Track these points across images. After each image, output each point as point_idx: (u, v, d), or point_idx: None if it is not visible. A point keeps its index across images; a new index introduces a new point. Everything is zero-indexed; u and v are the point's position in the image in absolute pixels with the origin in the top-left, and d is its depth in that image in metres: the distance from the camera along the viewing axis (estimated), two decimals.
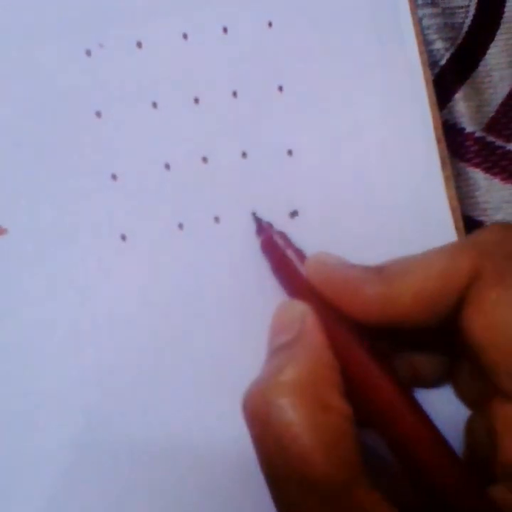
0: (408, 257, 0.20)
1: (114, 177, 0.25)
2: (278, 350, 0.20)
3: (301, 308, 0.20)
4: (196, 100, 0.25)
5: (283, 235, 0.24)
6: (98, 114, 0.25)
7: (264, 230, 0.24)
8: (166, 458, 0.24)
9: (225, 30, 0.25)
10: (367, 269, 0.20)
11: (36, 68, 0.25)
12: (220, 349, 0.25)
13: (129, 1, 0.25)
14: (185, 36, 0.25)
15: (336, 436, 0.17)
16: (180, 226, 0.25)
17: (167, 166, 0.25)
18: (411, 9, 0.27)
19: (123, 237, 0.25)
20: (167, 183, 0.25)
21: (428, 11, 0.29)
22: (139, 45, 0.25)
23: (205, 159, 0.25)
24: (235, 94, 0.25)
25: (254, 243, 0.25)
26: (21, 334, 0.24)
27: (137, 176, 0.25)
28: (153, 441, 0.24)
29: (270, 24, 0.26)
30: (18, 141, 0.25)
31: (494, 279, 0.19)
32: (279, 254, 0.23)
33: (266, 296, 0.25)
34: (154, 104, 0.25)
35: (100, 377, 0.24)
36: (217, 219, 0.25)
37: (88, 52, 0.25)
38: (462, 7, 0.29)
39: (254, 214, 0.25)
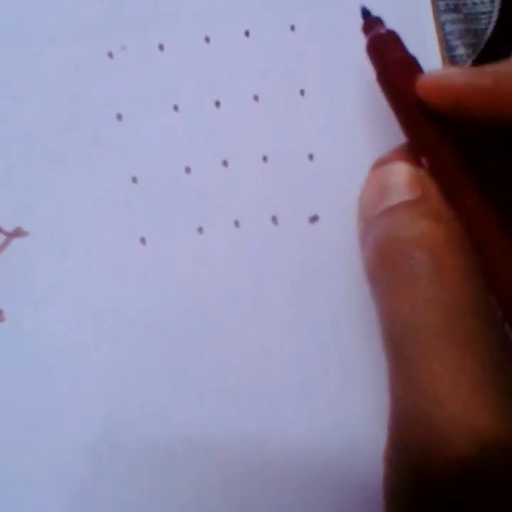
0: None
1: (134, 180, 0.25)
2: (398, 208, 0.18)
3: (418, 171, 0.19)
4: (217, 104, 0.25)
5: (395, 36, 0.21)
6: (119, 116, 0.25)
7: (372, 26, 0.21)
8: (185, 462, 0.24)
9: (247, 33, 0.25)
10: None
11: (59, 70, 0.25)
12: (239, 352, 0.25)
13: (152, 4, 0.25)
14: (207, 39, 0.25)
15: (488, 299, 0.16)
16: (200, 230, 0.25)
17: (188, 170, 0.25)
18: (434, 15, 0.27)
19: (143, 240, 0.25)
20: (187, 186, 0.25)
21: (450, 16, 0.28)
22: (161, 47, 0.25)
23: (225, 163, 0.25)
24: (256, 98, 0.25)
25: (274, 247, 0.25)
26: (40, 336, 0.24)
27: (158, 179, 0.25)
28: (172, 446, 0.24)
29: (293, 28, 0.26)
30: (40, 143, 0.25)
31: None
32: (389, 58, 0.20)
33: (286, 300, 0.25)
34: (175, 107, 0.25)
35: (119, 381, 0.24)
36: (237, 223, 0.25)
37: (110, 55, 0.25)
38: (485, 13, 0.29)
39: (362, 7, 0.22)
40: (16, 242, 0.25)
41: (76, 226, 0.25)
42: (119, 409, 0.24)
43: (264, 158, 0.25)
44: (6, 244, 0.25)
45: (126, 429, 0.24)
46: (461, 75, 0.18)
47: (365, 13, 0.22)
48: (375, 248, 0.18)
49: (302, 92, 0.25)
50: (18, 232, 0.25)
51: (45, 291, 0.24)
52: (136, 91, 0.25)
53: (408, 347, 0.16)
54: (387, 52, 0.20)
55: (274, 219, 0.25)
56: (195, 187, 0.25)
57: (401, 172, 0.19)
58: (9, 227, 0.25)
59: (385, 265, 0.17)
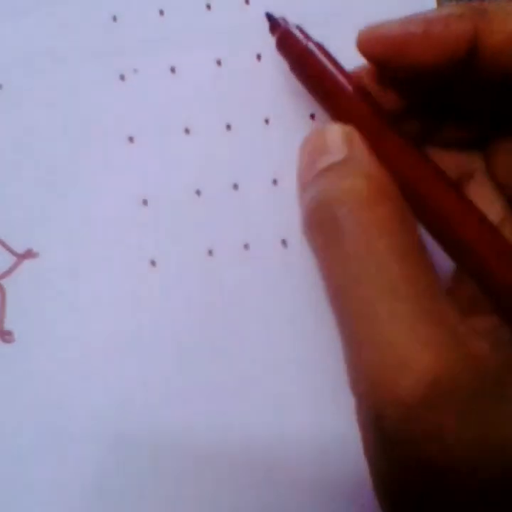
0: (503, 1, 0.18)
1: (145, 202, 0.25)
2: (326, 171, 0.19)
3: (345, 129, 0.19)
4: (228, 127, 0.25)
5: (301, 29, 0.22)
6: (131, 139, 0.25)
7: (279, 25, 0.22)
8: (194, 472, 0.24)
9: (258, 57, 0.25)
10: (449, 6, 0.19)
11: (70, 92, 0.25)
12: (248, 369, 0.25)
13: (164, 27, 0.26)
14: (218, 62, 0.25)
15: (413, 244, 0.17)
16: (210, 252, 0.25)
17: (198, 192, 0.25)
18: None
19: (153, 263, 0.25)
20: (198, 209, 0.25)
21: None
22: (173, 70, 0.25)
23: (235, 186, 0.25)
24: (267, 121, 0.25)
25: (284, 270, 0.25)
26: (50, 358, 0.24)
27: (168, 201, 0.25)
28: (182, 451, 0.24)
29: None
30: (51, 165, 0.25)
31: None
32: (301, 53, 0.21)
33: (295, 321, 0.25)
34: (187, 130, 0.25)
35: (128, 402, 0.24)
36: (246, 246, 0.25)
37: (122, 77, 0.25)
38: None
39: (266, 13, 0.23)
40: (27, 263, 0.25)
41: (86, 248, 0.25)
42: (126, 430, 0.24)
43: (274, 182, 0.25)
44: (16, 265, 0.25)
45: (134, 448, 0.24)
46: (396, 24, 0.19)
47: (270, 16, 0.23)
48: (305, 213, 0.19)
49: (313, 116, 0.25)
50: (28, 254, 0.25)
51: (54, 313, 0.25)
52: (147, 113, 0.25)
53: (345, 303, 0.17)
54: (295, 44, 0.21)
55: (284, 242, 0.25)
56: (206, 210, 0.25)
57: (328, 134, 0.19)
58: (20, 249, 0.25)
59: (314, 228, 0.18)
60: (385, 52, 0.19)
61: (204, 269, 0.25)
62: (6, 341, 0.24)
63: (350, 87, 0.20)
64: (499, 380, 0.16)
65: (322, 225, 0.18)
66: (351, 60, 0.20)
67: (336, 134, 0.19)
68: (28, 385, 0.24)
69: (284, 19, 0.23)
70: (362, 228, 0.17)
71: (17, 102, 0.25)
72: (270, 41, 0.25)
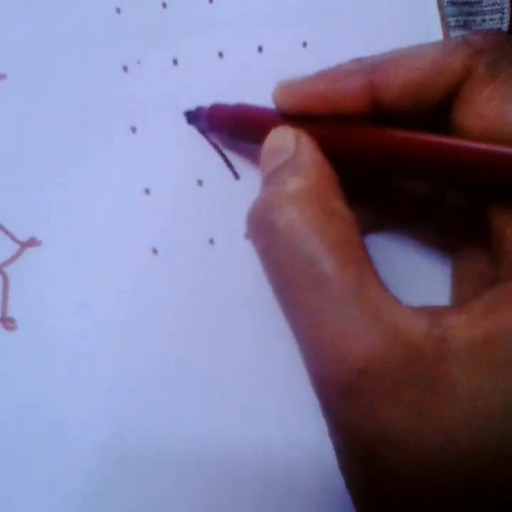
0: (395, 50, 0.20)
1: (147, 191, 0.25)
2: (275, 170, 0.20)
3: (291, 131, 0.20)
4: None
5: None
6: (133, 129, 0.25)
7: (199, 114, 0.24)
8: (193, 469, 0.24)
9: (260, 49, 0.26)
10: (345, 64, 0.20)
11: (74, 82, 0.26)
12: (247, 361, 0.25)
13: (167, 19, 0.26)
14: (220, 54, 0.26)
15: (344, 239, 0.18)
16: (211, 241, 0.25)
17: (200, 182, 0.25)
18: (443, 31, 0.28)
19: (154, 251, 0.25)
20: (199, 198, 0.25)
21: (459, 33, 0.29)
22: (175, 62, 0.26)
23: (237, 176, 0.25)
24: None
25: None
26: (52, 345, 0.24)
27: (170, 191, 0.25)
28: (181, 453, 0.24)
29: (305, 44, 0.26)
30: (54, 154, 0.25)
31: (487, 76, 0.18)
32: (231, 112, 0.23)
33: None
34: (189, 120, 0.26)
35: (128, 389, 0.24)
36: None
37: (125, 68, 0.26)
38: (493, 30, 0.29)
39: (185, 112, 0.25)
40: (30, 251, 0.25)
41: (89, 236, 0.25)
42: (127, 417, 0.24)
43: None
44: (19, 253, 0.25)
45: (134, 437, 0.24)
46: (305, 82, 0.21)
47: (189, 115, 0.25)
48: (247, 218, 0.20)
49: None
50: (31, 242, 0.25)
51: (57, 301, 0.25)
52: (150, 104, 0.26)
53: (283, 301, 0.19)
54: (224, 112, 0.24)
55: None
56: (207, 199, 0.25)
57: (277, 135, 0.21)
58: (23, 237, 0.25)
59: (253, 232, 0.20)
60: (296, 106, 0.21)
61: (205, 257, 0.25)
62: (9, 328, 0.25)
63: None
64: (432, 367, 0.16)
65: (259, 227, 0.19)
66: None
67: (287, 135, 0.20)
68: (29, 372, 0.24)
69: (198, 107, 0.25)
70: (291, 228, 0.18)
71: (21, 91, 0.25)
72: (272, 32, 0.26)
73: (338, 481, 0.24)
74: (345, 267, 0.17)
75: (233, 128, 0.23)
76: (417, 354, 0.16)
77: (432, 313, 0.17)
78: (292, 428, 0.25)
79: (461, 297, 0.22)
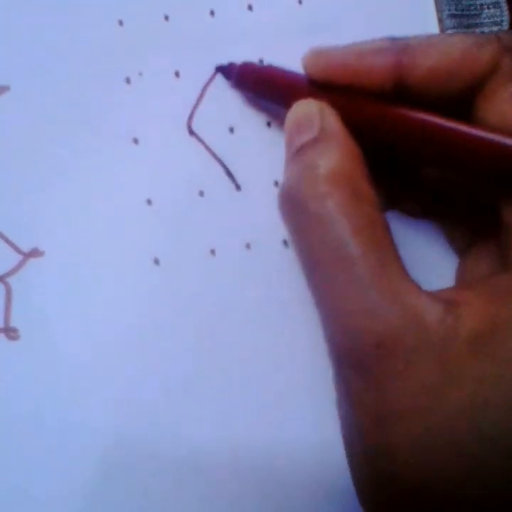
0: (427, 35, 0.21)
1: (149, 202, 0.25)
2: (303, 149, 0.20)
3: (316, 104, 0.21)
4: (231, 130, 0.26)
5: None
6: (135, 140, 0.26)
7: (231, 70, 0.25)
8: (195, 477, 0.24)
9: (261, 62, 0.26)
10: (377, 41, 0.21)
11: (77, 94, 0.26)
12: (249, 369, 0.25)
13: (169, 32, 0.26)
14: (220, 68, 0.26)
15: (370, 222, 0.19)
16: (213, 251, 0.25)
17: (201, 193, 0.26)
18: None
19: (156, 261, 0.25)
20: (201, 209, 0.26)
21: None
22: (177, 74, 0.26)
23: (238, 187, 0.26)
24: (269, 124, 0.26)
25: (284, 269, 0.25)
26: (54, 355, 0.25)
27: (172, 201, 0.26)
28: (182, 460, 0.25)
29: None
30: (57, 165, 0.25)
31: None
32: (261, 73, 0.24)
33: (295, 320, 0.25)
34: (190, 132, 0.26)
35: (131, 399, 0.25)
36: (248, 245, 0.26)
37: (127, 80, 0.26)
38: None
39: (217, 67, 0.26)
40: (32, 261, 0.25)
41: (91, 247, 0.25)
42: (129, 425, 0.25)
43: (276, 183, 0.26)
44: (22, 263, 0.25)
45: (136, 445, 0.25)
46: (335, 51, 0.21)
47: (219, 68, 0.26)
48: (278, 197, 0.21)
49: None
50: (34, 253, 0.25)
51: (59, 311, 0.25)
52: (152, 116, 0.26)
53: (311, 279, 0.20)
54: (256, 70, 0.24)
55: (285, 242, 0.26)
56: (209, 210, 0.26)
57: (301, 110, 0.21)
58: (26, 247, 0.25)
59: (284, 212, 0.21)
60: (324, 74, 0.21)
61: (206, 267, 0.25)
62: (11, 338, 0.25)
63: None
64: (442, 352, 0.17)
65: (289, 207, 0.20)
66: None
67: (312, 109, 0.21)
68: (31, 381, 0.25)
69: (231, 63, 0.25)
70: (320, 209, 0.19)
71: (24, 102, 0.26)
72: (274, 46, 0.26)
73: (339, 485, 0.24)
74: (369, 249, 0.18)
75: (260, 87, 0.24)
76: (429, 337, 0.17)
77: (447, 300, 0.18)
78: (294, 433, 0.25)
79: (467, 282, 0.23)
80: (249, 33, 0.26)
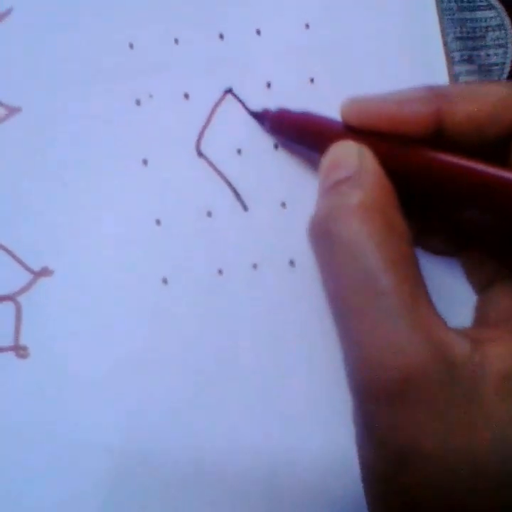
0: (462, 83, 0.22)
1: (158, 222, 0.26)
2: (338, 184, 0.20)
3: (354, 145, 0.21)
4: (239, 151, 0.26)
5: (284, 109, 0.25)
6: (145, 161, 0.26)
7: (267, 114, 0.25)
8: (201, 488, 0.25)
9: (268, 85, 0.26)
10: (415, 89, 0.21)
11: (88, 115, 0.26)
12: (255, 387, 0.25)
13: (178, 55, 0.27)
14: (230, 90, 0.26)
15: (401, 255, 0.19)
16: (220, 272, 0.26)
17: (209, 214, 0.26)
18: (448, 66, 0.28)
19: (164, 281, 0.26)
20: (208, 229, 0.26)
21: (464, 68, 0.29)
22: (187, 96, 0.26)
23: (246, 208, 0.26)
24: (276, 146, 0.26)
25: (290, 289, 0.26)
26: (63, 373, 0.25)
27: (180, 222, 0.26)
28: (189, 472, 0.25)
29: (312, 80, 0.27)
30: (67, 186, 0.26)
31: None
32: (297, 120, 0.24)
33: (304, 342, 0.25)
34: (199, 154, 0.26)
35: (140, 416, 0.25)
36: (255, 266, 0.26)
37: (138, 102, 0.26)
38: (498, 64, 0.30)
39: (251, 112, 0.26)
40: (42, 280, 0.26)
41: (100, 266, 0.26)
42: (138, 443, 0.25)
43: (283, 204, 0.26)
44: (32, 282, 0.26)
45: (143, 460, 0.25)
46: (373, 101, 0.21)
47: (254, 113, 0.26)
48: (309, 225, 0.21)
49: None
50: (44, 272, 0.26)
51: (68, 329, 0.25)
52: (161, 137, 0.26)
53: (338, 309, 0.19)
54: (291, 117, 0.24)
55: (292, 262, 0.26)
56: (216, 230, 0.26)
57: (341, 150, 0.21)
58: (36, 266, 0.26)
59: (315, 239, 0.21)
60: (362, 121, 0.21)
61: (214, 287, 0.26)
62: (21, 356, 0.25)
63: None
64: (469, 390, 0.17)
65: (321, 237, 0.20)
66: None
67: (351, 150, 0.21)
68: (41, 399, 0.25)
69: (265, 109, 0.26)
70: (353, 240, 0.19)
71: (36, 124, 0.26)
72: (282, 70, 0.26)
73: (344, 494, 0.24)
74: (401, 283, 0.18)
75: (295, 133, 0.24)
76: (457, 375, 0.17)
77: (474, 337, 0.18)
78: (298, 444, 0.25)
79: (490, 320, 0.23)
80: (258, 57, 0.27)
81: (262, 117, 0.26)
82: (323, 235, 0.20)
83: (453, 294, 0.24)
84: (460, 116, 0.20)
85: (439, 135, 0.21)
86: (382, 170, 0.20)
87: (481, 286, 0.24)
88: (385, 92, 0.21)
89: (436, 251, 0.25)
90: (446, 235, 0.24)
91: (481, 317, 0.23)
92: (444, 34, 0.28)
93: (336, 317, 0.20)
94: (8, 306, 0.25)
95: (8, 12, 0.27)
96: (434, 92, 0.21)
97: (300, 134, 0.24)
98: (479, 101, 0.20)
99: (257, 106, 0.26)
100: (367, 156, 0.21)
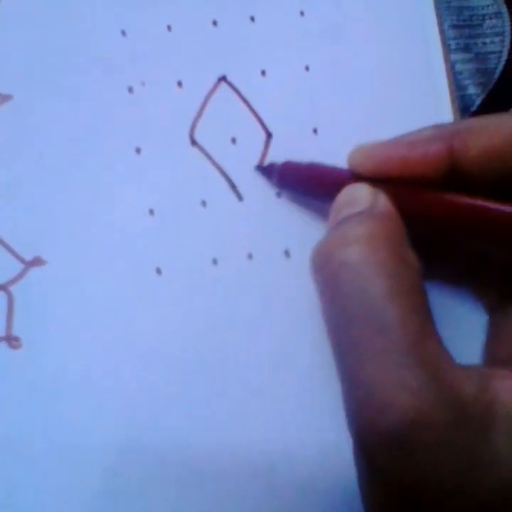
0: (474, 118, 0.21)
1: (151, 212, 0.26)
2: (348, 218, 0.20)
3: (368, 187, 0.21)
4: (233, 140, 0.26)
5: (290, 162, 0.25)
6: (138, 150, 0.26)
7: (273, 168, 0.25)
8: (198, 486, 0.25)
9: (263, 73, 0.26)
10: (427, 129, 0.21)
11: (80, 103, 0.26)
12: (249, 378, 0.25)
13: (171, 42, 0.26)
14: (224, 78, 0.26)
15: (410, 288, 0.18)
16: (215, 261, 0.26)
17: (203, 203, 0.26)
18: (444, 54, 0.28)
19: (158, 271, 0.25)
20: (203, 219, 0.26)
21: (460, 56, 0.29)
22: (180, 84, 0.26)
23: (240, 197, 0.26)
24: (269, 135, 0.26)
25: (285, 279, 0.25)
26: (56, 364, 0.25)
27: (174, 211, 0.26)
28: (185, 469, 0.25)
29: (307, 68, 0.26)
30: (59, 174, 0.26)
31: None
32: (304, 172, 0.24)
33: (298, 332, 0.25)
34: (193, 142, 0.26)
35: (133, 407, 0.25)
36: (250, 256, 0.26)
37: (130, 90, 0.26)
38: (495, 53, 0.30)
39: (257, 167, 0.26)
40: (34, 270, 0.25)
41: (93, 256, 0.25)
42: (131, 434, 0.25)
43: (278, 194, 0.26)
44: (24, 272, 0.25)
45: (139, 452, 0.25)
46: (381, 147, 0.21)
47: (260, 169, 0.26)
48: (312, 254, 0.20)
49: (315, 131, 0.26)
50: (36, 261, 0.25)
51: (61, 320, 0.25)
52: (154, 125, 0.26)
53: (339, 342, 0.18)
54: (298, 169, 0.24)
55: (287, 252, 0.26)
56: (211, 220, 0.26)
57: (357, 190, 0.21)
58: (28, 256, 0.25)
59: (317, 268, 0.20)
60: (373, 168, 0.21)
61: (208, 277, 0.25)
62: (14, 347, 0.25)
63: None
64: (477, 431, 0.16)
65: (326, 265, 0.19)
66: None
67: (364, 190, 0.21)
68: (34, 390, 0.25)
69: (271, 163, 0.26)
70: (360, 269, 0.18)
71: (27, 112, 0.26)
72: (276, 57, 0.26)
73: (340, 492, 0.24)
74: (409, 316, 0.17)
75: (304, 186, 0.24)
76: (464, 416, 0.16)
77: (482, 375, 0.17)
78: (295, 440, 0.25)
79: (499, 355, 0.22)
80: (252, 44, 0.26)
81: (269, 171, 0.25)
82: (328, 264, 0.19)
83: (459, 324, 0.24)
84: (473, 152, 0.19)
85: (453, 173, 0.20)
86: (394, 208, 0.20)
87: (492, 307, 0.23)
88: (393, 138, 0.21)
89: (446, 278, 0.24)
90: (456, 264, 0.23)
91: (490, 350, 0.22)
92: (440, 22, 0.28)
93: (335, 350, 0.19)
94: (0, 296, 0.25)
95: None
96: (443, 130, 0.20)
97: (310, 185, 0.24)
98: (491, 134, 0.19)
99: (251, 95, 0.26)
100: (381, 196, 0.20)
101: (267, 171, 0.26)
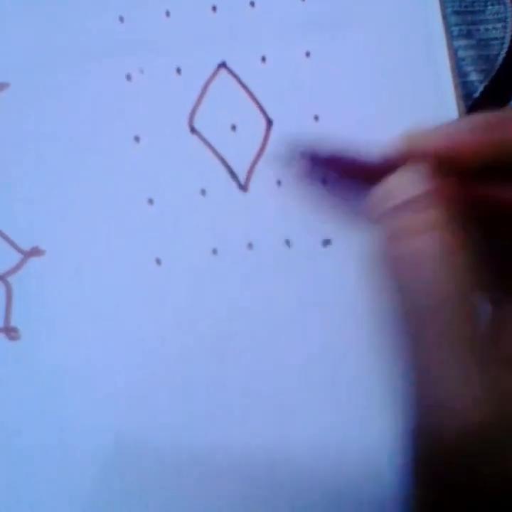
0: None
1: (150, 201, 0.25)
2: (405, 204, 0.19)
3: (416, 169, 0.20)
4: (233, 128, 0.25)
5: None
6: (137, 138, 0.25)
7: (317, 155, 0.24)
8: (194, 477, 0.24)
9: (263, 59, 0.26)
10: (472, 118, 0.21)
11: (78, 91, 0.26)
12: (250, 369, 0.25)
13: (170, 28, 0.26)
14: (223, 64, 0.26)
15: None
16: (215, 251, 0.25)
17: (203, 192, 0.25)
18: (446, 40, 0.28)
19: (158, 261, 0.25)
20: (203, 208, 0.25)
21: (463, 42, 0.29)
22: (179, 71, 0.26)
23: (240, 186, 0.25)
24: (270, 122, 0.26)
25: (286, 269, 0.25)
26: (54, 354, 0.25)
27: (173, 200, 0.25)
28: (184, 465, 0.25)
29: (308, 54, 0.26)
30: (57, 163, 0.25)
31: None
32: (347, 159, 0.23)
33: (297, 319, 0.25)
34: (192, 130, 0.26)
35: (131, 398, 0.25)
36: (250, 245, 0.25)
37: (129, 77, 0.26)
38: (497, 39, 0.29)
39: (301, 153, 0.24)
40: (33, 260, 0.25)
41: (92, 246, 0.25)
42: (130, 424, 0.25)
43: (279, 182, 0.25)
44: (22, 262, 0.25)
45: (137, 444, 0.25)
46: (434, 134, 0.21)
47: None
48: (385, 244, 0.19)
49: (316, 118, 0.26)
50: (34, 251, 0.25)
51: (59, 310, 0.25)
52: (153, 113, 0.25)
53: (415, 339, 0.18)
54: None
55: (288, 242, 0.25)
56: (211, 209, 0.25)
57: (406, 174, 0.20)
58: (26, 246, 0.25)
59: (393, 259, 0.19)
60: (424, 155, 0.20)
61: (208, 267, 0.25)
62: (12, 338, 0.25)
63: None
64: None
65: (401, 257, 0.18)
66: None
67: (415, 173, 0.20)
68: (32, 381, 0.24)
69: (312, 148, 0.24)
70: (443, 255, 0.18)
71: (24, 100, 0.25)
72: (276, 43, 0.26)
73: (340, 490, 0.24)
74: (473, 322, 0.18)
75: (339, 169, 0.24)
76: None
77: None
78: (296, 435, 0.25)
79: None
80: (252, 30, 0.26)
81: (313, 158, 0.24)
82: (404, 255, 0.18)
83: None
84: None
85: (499, 165, 0.20)
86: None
87: (494, 301, 0.22)
88: (439, 126, 0.21)
89: None
90: None
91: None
92: (443, 8, 0.28)
93: (407, 351, 0.18)
94: None
95: None
96: (487, 120, 0.20)
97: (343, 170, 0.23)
98: None
99: (252, 81, 0.25)
100: (438, 180, 0.20)
101: (311, 158, 0.24)
